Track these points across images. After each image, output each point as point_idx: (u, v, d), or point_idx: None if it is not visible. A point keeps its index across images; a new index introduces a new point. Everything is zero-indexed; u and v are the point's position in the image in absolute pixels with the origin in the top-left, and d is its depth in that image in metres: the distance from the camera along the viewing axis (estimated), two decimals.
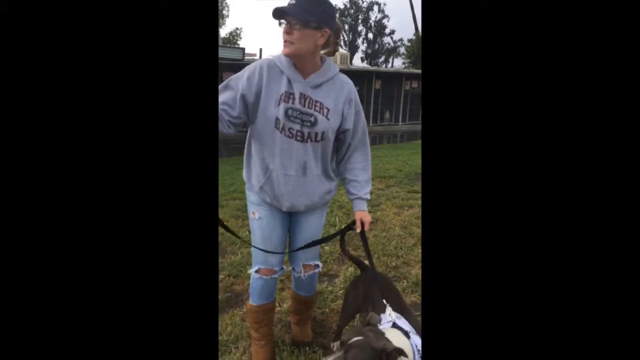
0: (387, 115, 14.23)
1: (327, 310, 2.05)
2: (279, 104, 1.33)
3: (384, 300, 1.31)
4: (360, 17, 31.34)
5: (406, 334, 1.14)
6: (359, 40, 31.93)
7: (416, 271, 2.42)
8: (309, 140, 1.36)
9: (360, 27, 31.76)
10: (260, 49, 15.00)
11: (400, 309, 1.31)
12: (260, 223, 1.50)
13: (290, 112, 1.33)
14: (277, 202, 1.45)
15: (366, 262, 1.59)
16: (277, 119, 1.33)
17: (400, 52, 30.54)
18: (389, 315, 1.23)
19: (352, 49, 30.77)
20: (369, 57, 31.88)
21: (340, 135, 1.44)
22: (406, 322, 1.23)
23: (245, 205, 1.60)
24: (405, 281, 2.31)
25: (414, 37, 25.38)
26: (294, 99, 1.33)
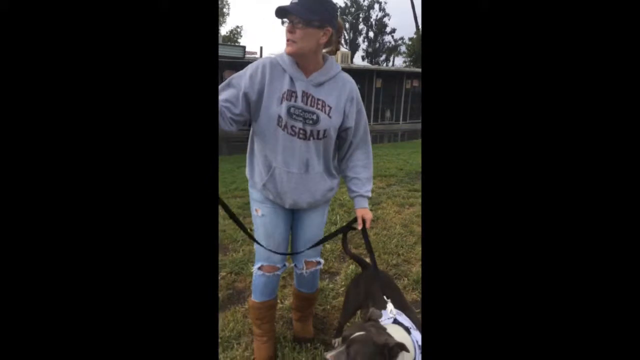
0: (387, 114, 14.23)
1: (328, 307, 2.06)
2: (281, 102, 1.34)
3: (385, 297, 1.32)
4: (361, 15, 31.30)
5: (407, 329, 1.15)
6: (360, 39, 31.92)
7: (417, 269, 2.44)
8: (311, 138, 1.37)
9: (361, 26, 31.73)
10: (261, 47, 15.02)
11: (401, 306, 1.32)
12: (263, 220, 1.51)
13: (292, 110, 1.34)
14: (280, 200, 1.46)
15: (367, 259, 1.60)
16: (279, 117, 1.34)
17: (401, 51, 30.52)
18: (390, 312, 1.24)
19: (353, 47, 30.74)
20: (370, 55, 31.86)
21: (342, 133, 1.45)
22: (407, 318, 1.24)
23: (246, 203, 1.62)
24: (406, 279, 2.33)
25: (414, 36, 25.34)
26: (296, 97, 1.34)
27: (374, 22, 31.63)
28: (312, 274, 1.67)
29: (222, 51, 9.34)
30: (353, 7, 31.13)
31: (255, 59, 1.45)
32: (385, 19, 31.72)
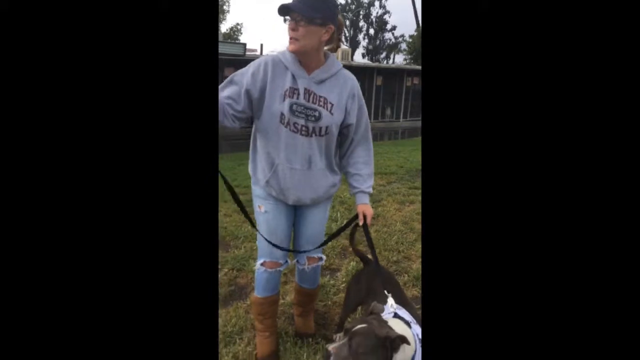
0: (388, 111, 14.21)
1: (329, 303, 2.08)
2: (283, 100, 1.35)
3: (386, 292, 1.33)
4: (361, 12, 31.21)
5: (407, 323, 1.17)
6: (360, 36, 31.83)
7: (417, 266, 2.45)
8: (313, 135, 1.39)
9: (361, 23, 31.64)
10: (261, 45, 14.99)
11: (401, 301, 1.33)
12: (266, 217, 1.52)
13: (295, 107, 1.35)
14: (283, 196, 1.47)
15: (369, 255, 1.61)
16: (282, 114, 1.36)
17: (402, 48, 30.44)
18: (391, 306, 1.25)
19: (354, 45, 30.65)
20: (370, 53, 31.77)
21: (344, 129, 1.46)
22: (407, 313, 1.26)
23: (248, 200, 1.63)
24: (406, 275, 2.34)
25: (415, 33, 25.26)
26: (298, 94, 1.36)
27: (374, 20, 31.53)
28: (314, 270, 1.69)
29: (223, 48, 9.31)
30: (353, 4, 31.03)
31: (255, 57, 1.46)
32: (386, 17, 31.62)
